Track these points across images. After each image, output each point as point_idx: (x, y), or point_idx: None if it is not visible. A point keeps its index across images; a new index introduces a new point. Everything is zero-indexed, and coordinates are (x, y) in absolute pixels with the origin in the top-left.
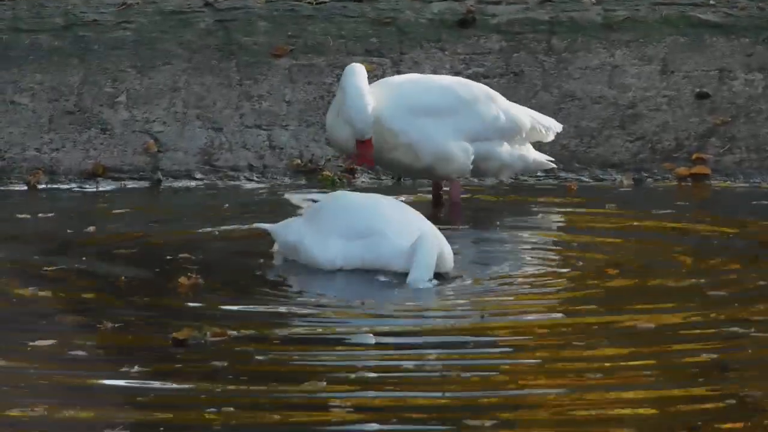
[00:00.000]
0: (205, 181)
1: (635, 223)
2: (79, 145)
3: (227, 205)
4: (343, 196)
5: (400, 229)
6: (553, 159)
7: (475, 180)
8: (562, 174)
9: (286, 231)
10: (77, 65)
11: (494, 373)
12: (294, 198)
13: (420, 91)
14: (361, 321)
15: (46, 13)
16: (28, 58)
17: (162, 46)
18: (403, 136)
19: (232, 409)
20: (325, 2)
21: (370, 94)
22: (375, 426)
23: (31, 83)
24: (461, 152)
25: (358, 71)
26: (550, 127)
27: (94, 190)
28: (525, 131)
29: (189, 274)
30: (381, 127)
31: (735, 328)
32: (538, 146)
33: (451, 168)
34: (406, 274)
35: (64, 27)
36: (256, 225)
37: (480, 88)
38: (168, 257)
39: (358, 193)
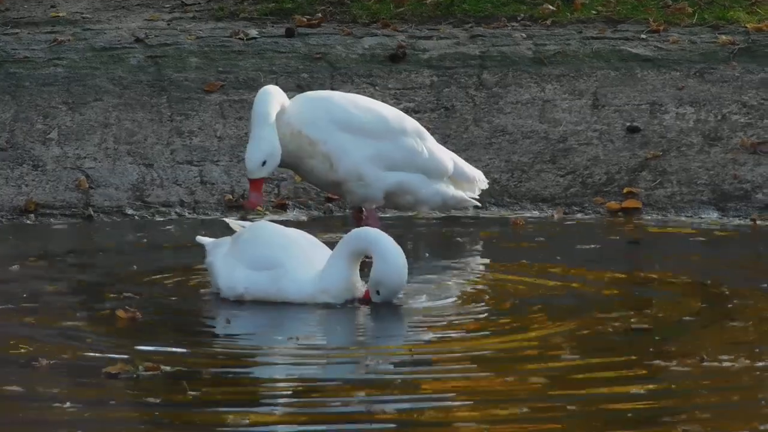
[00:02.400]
0: (136, 217)
1: (557, 257)
2: (11, 181)
3: (159, 240)
4: (260, 226)
5: (305, 263)
6: (476, 197)
7: (396, 212)
8: (493, 208)
9: (212, 249)
10: (8, 102)
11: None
12: (232, 223)
13: (350, 107)
14: (294, 359)
15: None
16: None
17: (93, 82)
18: (321, 145)
19: None
20: (256, 38)
21: (274, 139)
22: None
23: None
24: (375, 177)
25: (270, 98)
26: (476, 178)
27: (28, 224)
28: (447, 175)
29: (126, 307)
30: (301, 133)
31: None
32: None
33: (362, 191)
34: (322, 305)
35: None
36: (197, 238)
37: (411, 123)
38: (104, 292)
39: (277, 225)
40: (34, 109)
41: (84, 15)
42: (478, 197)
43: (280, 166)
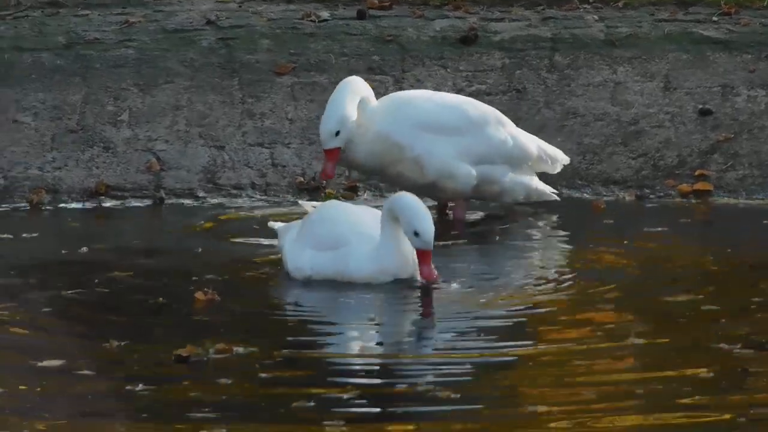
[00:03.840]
0: (207, 201)
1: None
2: (81, 163)
3: (234, 224)
4: (326, 207)
5: (369, 242)
6: (556, 191)
7: (476, 202)
8: (565, 191)
9: (283, 232)
10: (79, 83)
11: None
12: (305, 204)
13: (430, 108)
14: (369, 339)
15: (47, 31)
16: (30, 77)
17: (164, 64)
18: (408, 150)
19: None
20: (328, 20)
21: (348, 108)
22: None
23: (33, 102)
24: (464, 173)
25: (349, 86)
26: (557, 158)
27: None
28: (531, 159)
29: (205, 289)
30: (387, 140)
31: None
32: (543, 177)
33: (452, 187)
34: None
35: (66, 46)
36: (269, 223)
37: (490, 111)
38: (175, 275)
39: (344, 204)
40: (105, 90)
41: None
42: (556, 191)
43: (363, 173)
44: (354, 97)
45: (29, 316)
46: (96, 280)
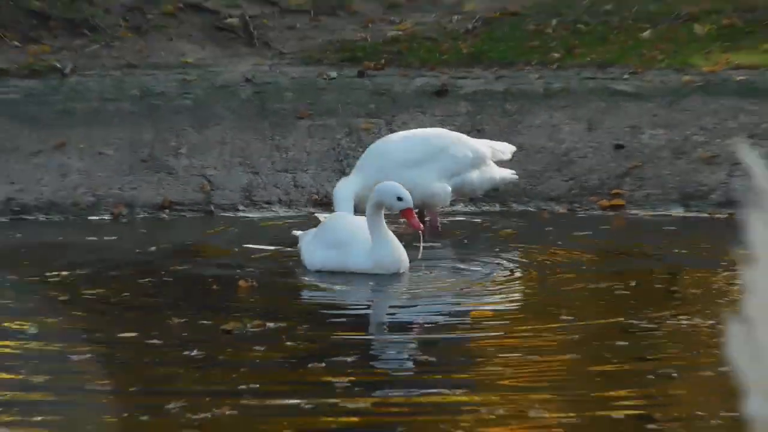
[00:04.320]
0: (246, 213)
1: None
2: (151, 184)
3: (266, 231)
4: (335, 216)
5: (364, 243)
6: (515, 172)
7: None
8: (514, 205)
9: (302, 237)
10: (149, 125)
11: None
12: (320, 216)
13: (404, 150)
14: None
15: (125, 86)
16: (113, 120)
17: (213, 111)
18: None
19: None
20: (335, 78)
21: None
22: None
23: (114, 139)
24: (443, 191)
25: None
26: (506, 150)
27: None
28: (488, 157)
29: (247, 278)
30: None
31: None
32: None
33: (435, 203)
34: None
35: (140, 97)
36: (293, 232)
37: (449, 134)
38: (223, 267)
39: (348, 215)
40: (168, 130)
41: (206, 60)
42: (515, 177)
43: None
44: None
45: (111, 298)
46: (162, 272)
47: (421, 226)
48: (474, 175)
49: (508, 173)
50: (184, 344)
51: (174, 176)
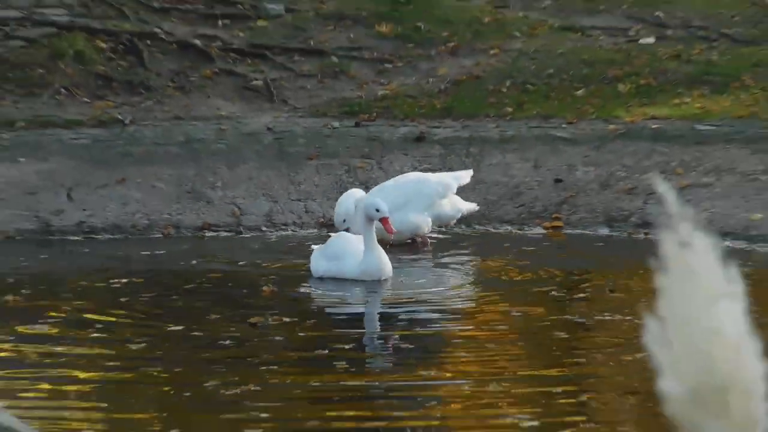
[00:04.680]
0: (267, 233)
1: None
2: (193, 210)
3: (283, 246)
4: (338, 236)
5: (357, 256)
6: (476, 204)
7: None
8: (477, 227)
9: (314, 251)
10: (192, 164)
11: None
12: (332, 234)
13: (393, 196)
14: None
15: (173, 134)
16: (163, 160)
17: (242, 153)
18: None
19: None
20: (338, 128)
21: (348, 208)
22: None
23: (165, 175)
24: (425, 223)
25: (349, 196)
26: (464, 175)
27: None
28: (453, 186)
29: (269, 285)
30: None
31: None
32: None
33: (421, 232)
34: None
35: (184, 142)
36: (312, 247)
37: (424, 178)
38: (250, 276)
39: (348, 234)
40: (207, 168)
41: (237, 113)
42: (476, 207)
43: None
44: (350, 199)
45: (161, 300)
46: (202, 279)
47: (394, 230)
48: (446, 205)
49: (472, 205)
50: (218, 335)
51: (211, 204)
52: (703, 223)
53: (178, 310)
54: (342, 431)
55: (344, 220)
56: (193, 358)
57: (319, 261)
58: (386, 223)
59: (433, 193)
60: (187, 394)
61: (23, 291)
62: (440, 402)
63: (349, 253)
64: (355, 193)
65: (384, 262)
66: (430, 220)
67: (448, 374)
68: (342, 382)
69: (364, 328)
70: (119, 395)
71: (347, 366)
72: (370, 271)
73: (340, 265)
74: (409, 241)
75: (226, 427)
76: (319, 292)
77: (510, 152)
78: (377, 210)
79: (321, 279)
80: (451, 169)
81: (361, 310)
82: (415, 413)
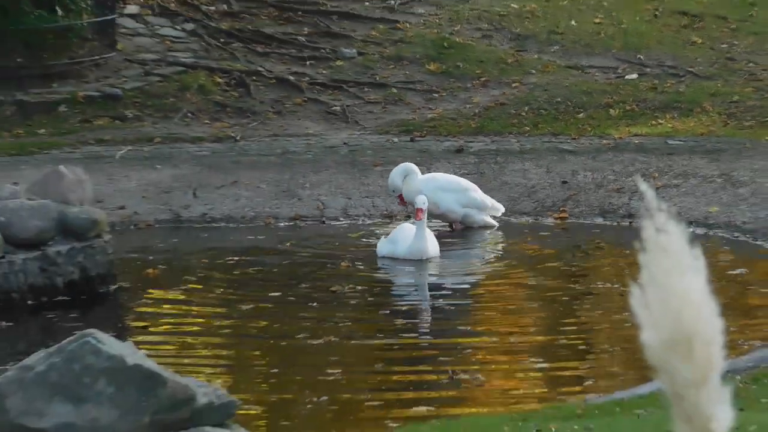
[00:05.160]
0: (344, 222)
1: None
2: (287, 205)
3: (356, 233)
4: (400, 227)
5: (408, 241)
6: (496, 223)
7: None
8: (504, 217)
9: (382, 238)
10: (286, 171)
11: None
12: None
13: (444, 181)
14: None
15: (273, 147)
16: (265, 168)
17: (324, 162)
18: (431, 199)
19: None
20: (396, 142)
21: (396, 180)
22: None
23: (266, 178)
24: (458, 211)
25: (401, 167)
26: (499, 208)
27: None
28: (487, 207)
29: (345, 261)
30: (428, 195)
31: None
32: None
33: (452, 216)
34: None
35: (281, 153)
36: (377, 233)
37: (472, 185)
38: (331, 255)
39: (407, 224)
40: (298, 173)
41: (321, 131)
42: (496, 219)
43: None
44: (401, 172)
45: (265, 273)
46: (294, 257)
47: (404, 204)
48: (475, 214)
49: (494, 222)
50: (306, 299)
51: (301, 200)
52: (674, 214)
53: (276, 280)
54: (397, 373)
55: (393, 190)
56: (287, 317)
57: (383, 244)
58: (401, 199)
59: (474, 200)
60: (283, 343)
61: (160, 266)
62: (474, 350)
63: (403, 238)
64: (404, 166)
65: (429, 245)
66: (461, 213)
67: (480, 328)
68: (399, 334)
69: (417, 298)
70: (232, 344)
71: (403, 322)
72: (416, 252)
73: (396, 247)
74: (449, 229)
75: (312, 369)
76: (383, 267)
77: (528, 161)
78: (393, 190)
79: (384, 258)
80: (482, 174)
81: (412, 281)
82: (455, 359)
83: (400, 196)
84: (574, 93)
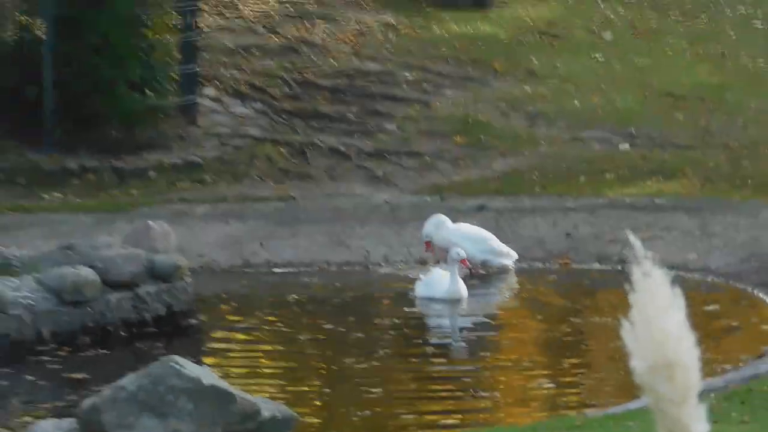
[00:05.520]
0: (385, 268)
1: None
2: (338, 254)
3: (396, 277)
4: (434, 271)
5: (443, 283)
6: (511, 267)
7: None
8: (517, 263)
9: (418, 280)
10: (337, 224)
11: None
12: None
13: (469, 232)
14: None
15: (325, 206)
16: (320, 222)
17: (369, 218)
18: (454, 247)
19: None
20: (429, 201)
21: (429, 230)
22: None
23: (320, 231)
24: (479, 257)
25: (434, 219)
26: (513, 255)
27: None
28: (503, 254)
29: (388, 300)
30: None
31: None
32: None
33: (474, 260)
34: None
35: (334, 210)
36: (412, 276)
37: (491, 235)
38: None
39: (440, 269)
40: (347, 227)
41: (366, 192)
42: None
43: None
44: (435, 222)
45: (318, 309)
46: (343, 296)
47: (430, 249)
48: (494, 259)
49: (510, 266)
50: (354, 330)
51: (349, 249)
52: (658, 260)
53: (328, 315)
54: (430, 391)
55: (426, 237)
56: (338, 345)
57: (420, 286)
58: (428, 245)
59: (492, 249)
60: (334, 367)
61: (232, 303)
62: (493, 372)
63: (437, 281)
64: (437, 217)
65: (462, 287)
66: (480, 259)
67: (499, 355)
68: (432, 362)
69: (448, 330)
70: (292, 367)
71: (436, 352)
72: (453, 293)
73: (433, 289)
74: (470, 272)
75: (357, 388)
76: (420, 306)
77: (537, 217)
78: (426, 237)
79: (421, 298)
80: (500, 227)
81: (447, 319)
82: (477, 380)
83: (427, 243)
84: (576, 161)
